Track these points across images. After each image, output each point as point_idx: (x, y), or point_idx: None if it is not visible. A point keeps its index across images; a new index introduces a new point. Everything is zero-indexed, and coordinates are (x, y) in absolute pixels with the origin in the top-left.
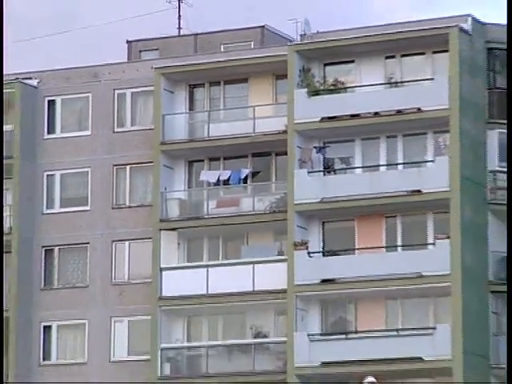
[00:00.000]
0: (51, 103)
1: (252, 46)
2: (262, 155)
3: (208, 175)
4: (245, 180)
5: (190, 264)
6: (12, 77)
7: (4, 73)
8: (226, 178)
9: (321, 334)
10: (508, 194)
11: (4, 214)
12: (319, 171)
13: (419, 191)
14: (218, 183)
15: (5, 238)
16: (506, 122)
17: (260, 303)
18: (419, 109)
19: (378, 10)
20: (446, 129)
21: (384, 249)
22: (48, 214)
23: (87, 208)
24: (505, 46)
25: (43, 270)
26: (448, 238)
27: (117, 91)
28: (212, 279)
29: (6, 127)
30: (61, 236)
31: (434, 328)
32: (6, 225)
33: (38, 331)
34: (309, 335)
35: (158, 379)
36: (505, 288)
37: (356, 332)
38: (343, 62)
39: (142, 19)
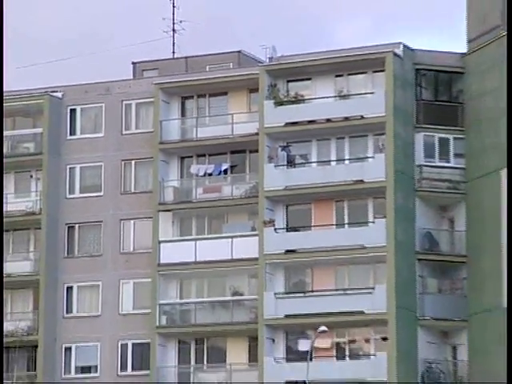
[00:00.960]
0: (72, 111)
1: (231, 67)
2: (238, 152)
3: (196, 168)
4: (225, 172)
5: (181, 238)
6: (42, 90)
7: (34, 87)
8: (210, 170)
9: (284, 293)
10: (508, 193)
11: (34, 199)
12: (283, 165)
13: (362, 181)
14: (204, 175)
15: (36, 217)
16: (429, 126)
17: (237, 269)
18: (362, 116)
19: (332, 36)
20: (383, 132)
21: (334, 226)
22: (70, 198)
23: (101, 194)
24: (429, 67)
25: (66, 243)
26: (384, 217)
27: (124, 102)
28: (199, 250)
29: (36, 130)
30: (80, 216)
31: (373, 288)
32: (37, 206)
33: (62, 291)
34: (275, 294)
35: (156, 328)
36: (428, 256)
37: (312, 291)
38: (302, 79)
39: (144, 45)
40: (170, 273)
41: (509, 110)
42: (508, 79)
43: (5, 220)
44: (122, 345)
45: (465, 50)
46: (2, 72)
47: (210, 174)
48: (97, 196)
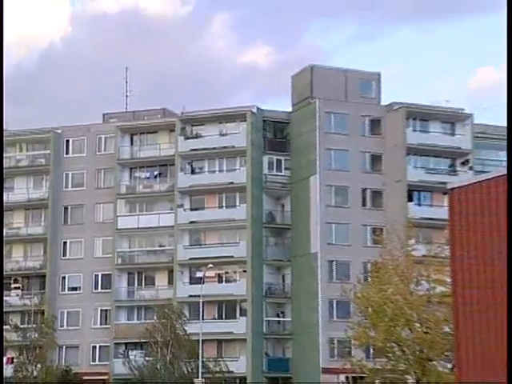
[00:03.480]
0: (67, 141)
1: (159, 117)
2: (163, 166)
3: (139, 174)
4: (155, 176)
5: (130, 214)
6: (48, 128)
7: (37, 127)
8: (147, 175)
9: (189, 246)
10: (508, 197)
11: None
12: (189, 173)
13: (232, 182)
14: (143, 178)
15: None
16: (271, 152)
17: (162, 232)
18: (233, 146)
19: (229, 98)
20: (245, 154)
21: (217, 208)
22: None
23: (84, 188)
24: (271, 119)
25: (64, 217)
26: (245, 203)
27: (98, 136)
28: (140, 221)
29: (45, 151)
30: (71, 202)
31: (238, 243)
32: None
33: (61, 244)
34: (183, 246)
35: (115, 265)
36: (270, 225)
37: (205, 245)
38: (199, 125)
39: (111, 104)
40: (123, 233)
41: (509, 110)
42: (508, 79)
43: None
44: (95, 275)
45: (290, 110)
46: (3, 78)
47: (148, 178)
48: (81, 190)
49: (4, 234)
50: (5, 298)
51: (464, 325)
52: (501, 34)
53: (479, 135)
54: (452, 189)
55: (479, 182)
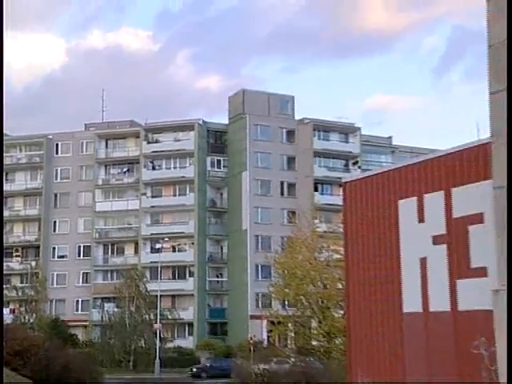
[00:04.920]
0: (57, 145)
1: (127, 126)
2: (131, 164)
3: (112, 170)
4: (125, 172)
5: (105, 200)
6: (42, 134)
7: (34, 133)
8: (118, 171)
9: (150, 224)
10: (508, 195)
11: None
12: (151, 169)
13: (184, 176)
14: (115, 173)
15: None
16: (213, 154)
17: (129, 214)
18: (185, 149)
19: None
20: (193, 155)
21: (172, 196)
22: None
23: (69, 181)
24: (213, 129)
25: (54, 202)
26: (193, 192)
27: (80, 141)
28: (113, 205)
29: (40, 152)
30: (63, 191)
31: (188, 222)
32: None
33: (52, 223)
34: (146, 224)
35: (93, 238)
36: (212, 209)
37: (162, 223)
38: (161, 133)
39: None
40: (100, 215)
41: (509, 110)
42: (508, 79)
43: None
44: (78, 246)
45: (227, 122)
46: (3, 79)
47: (119, 173)
48: (67, 181)
49: (7, 215)
50: (8, 264)
51: (352, 282)
52: (387, 70)
53: (365, 143)
54: (345, 182)
55: (364, 177)
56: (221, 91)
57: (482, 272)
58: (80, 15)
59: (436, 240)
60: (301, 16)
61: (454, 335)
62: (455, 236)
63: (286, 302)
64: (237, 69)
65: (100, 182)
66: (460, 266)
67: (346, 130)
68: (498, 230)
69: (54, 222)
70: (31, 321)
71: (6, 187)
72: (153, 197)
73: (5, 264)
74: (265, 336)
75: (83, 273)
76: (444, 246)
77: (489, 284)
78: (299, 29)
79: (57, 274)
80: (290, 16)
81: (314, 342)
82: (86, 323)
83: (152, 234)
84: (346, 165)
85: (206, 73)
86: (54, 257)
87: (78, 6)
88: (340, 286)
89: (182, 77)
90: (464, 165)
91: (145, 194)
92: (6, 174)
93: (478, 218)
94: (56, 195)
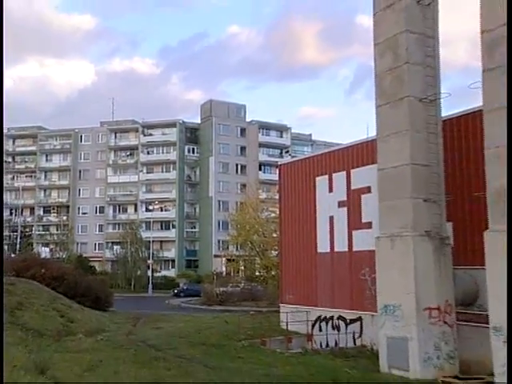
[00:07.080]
0: (81, 137)
1: (130, 124)
2: (133, 149)
3: (120, 153)
4: (129, 155)
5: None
6: (71, 129)
7: (67, 128)
8: (123, 155)
9: (143, 202)
10: (508, 194)
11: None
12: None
13: (174, 162)
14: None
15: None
16: (188, 144)
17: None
18: (170, 141)
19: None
20: (176, 147)
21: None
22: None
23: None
24: (189, 126)
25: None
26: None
27: (97, 134)
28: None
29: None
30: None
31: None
32: None
33: (78, 190)
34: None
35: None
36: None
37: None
38: (153, 128)
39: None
40: (110, 185)
41: (509, 110)
42: (508, 78)
43: None
44: (95, 206)
45: (199, 122)
46: (3, 74)
47: (123, 156)
48: (88, 162)
49: (47, 184)
50: (48, 217)
51: (283, 232)
52: (314, 89)
53: (294, 138)
54: (280, 164)
55: (293, 161)
56: (201, 101)
57: (369, 225)
58: (106, 47)
59: (340, 204)
60: (259, 51)
61: (350, 267)
62: (352, 201)
63: (238, 246)
64: (213, 86)
65: (110, 162)
66: (355, 221)
67: (281, 129)
68: (380, 198)
69: (79, 190)
70: (64, 256)
71: (46, 165)
72: (147, 173)
73: (45, 218)
74: (224, 269)
75: (99, 225)
76: (345, 208)
77: (373, 233)
78: (258, 59)
79: (81, 226)
80: (252, 50)
81: (257, 273)
82: (101, 259)
83: (146, 198)
84: (281, 153)
85: (191, 89)
86: (79, 213)
87: (105, 40)
88: (275, 236)
89: (174, 91)
90: (359, 153)
91: (142, 170)
92: (46, 155)
93: (367, 190)
94: (80, 171)
